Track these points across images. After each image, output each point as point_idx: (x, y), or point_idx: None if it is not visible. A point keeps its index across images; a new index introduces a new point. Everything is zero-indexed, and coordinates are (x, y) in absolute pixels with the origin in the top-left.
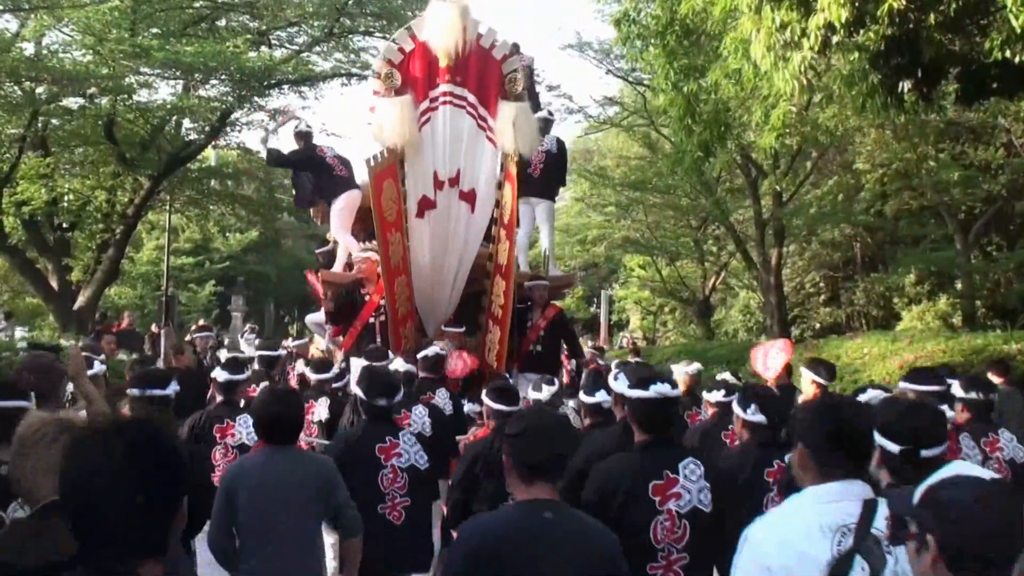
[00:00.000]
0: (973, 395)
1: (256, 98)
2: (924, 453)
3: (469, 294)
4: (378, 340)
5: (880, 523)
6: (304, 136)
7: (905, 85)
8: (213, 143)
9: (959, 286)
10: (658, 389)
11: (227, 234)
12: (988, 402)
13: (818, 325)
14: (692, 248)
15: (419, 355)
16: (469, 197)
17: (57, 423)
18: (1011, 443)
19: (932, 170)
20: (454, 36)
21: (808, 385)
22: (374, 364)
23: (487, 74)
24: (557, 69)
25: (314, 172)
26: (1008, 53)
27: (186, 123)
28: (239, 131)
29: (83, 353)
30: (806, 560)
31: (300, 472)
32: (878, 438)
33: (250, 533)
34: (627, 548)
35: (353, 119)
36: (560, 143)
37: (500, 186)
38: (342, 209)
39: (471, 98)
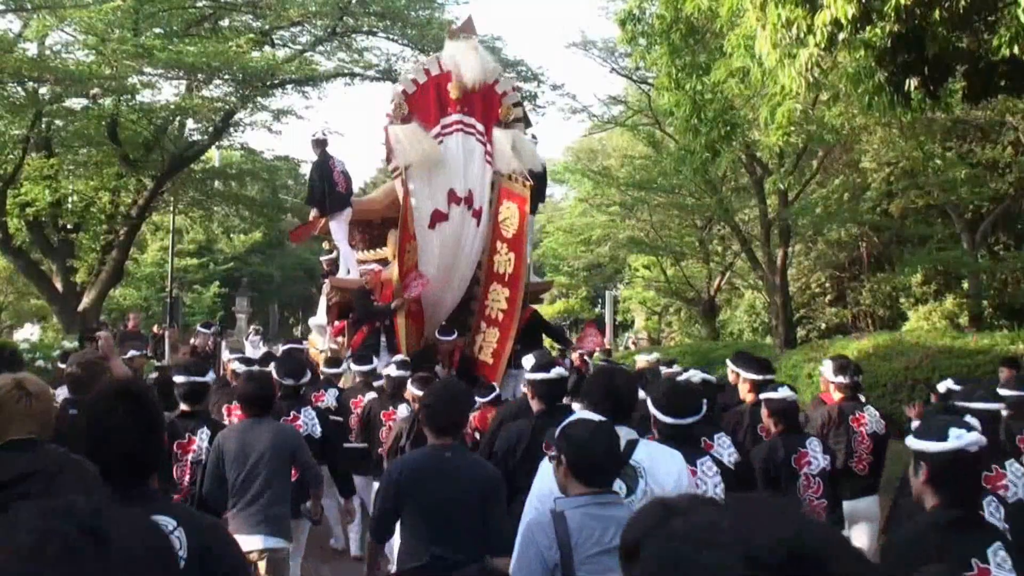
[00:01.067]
0: None
1: (259, 98)
2: (683, 420)
3: (461, 301)
4: (382, 341)
5: (638, 456)
6: (321, 144)
7: (912, 82)
8: (216, 144)
9: (966, 286)
10: (559, 371)
11: (231, 235)
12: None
13: (824, 325)
14: (697, 248)
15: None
16: (478, 214)
17: (15, 382)
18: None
19: (939, 169)
20: (465, 72)
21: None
22: (293, 348)
23: (490, 105)
24: (561, 68)
25: (321, 181)
26: (1016, 50)
27: (189, 124)
28: (242, 131)
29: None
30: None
31: (274, 437)
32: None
33: (236, 482)
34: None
35: (355, 117)
36: (543, 165)
37: (491, 203)
38: (340, 223)
39: (479, 127)
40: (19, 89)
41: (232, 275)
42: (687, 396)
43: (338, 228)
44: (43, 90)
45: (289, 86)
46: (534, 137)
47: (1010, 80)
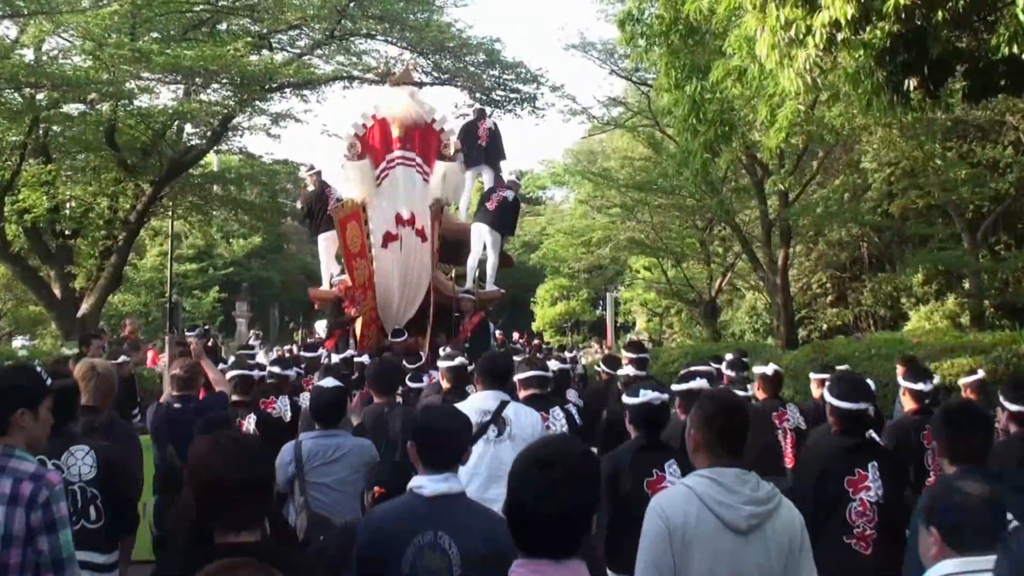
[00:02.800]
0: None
1: (257, 102)
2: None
3: (422, 306)
4: (350, 342)
5: (508, 412)
6: (318, 174)
7: (911, 83)
8: (215, 148)
9: (967, 285)
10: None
11: (230, 240)
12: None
13: (825, 326)
14: (698, 249)
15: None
16: (421, 233)
17: (90, 364)
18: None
19: (939, 168)
20: (403, 114)
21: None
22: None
23: (429, 141)
24: (561, 70)
25: (316, 204)
26: (1016, 49)
27: (187, 128)
28: (241, 135)
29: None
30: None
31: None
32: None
33: None
34: None
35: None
36: (516, 199)
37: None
38: (328, 241)
39: (418, 160)
40: (16, 95)
41: (232, 280)
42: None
43: (325, 245)
44: (40, 96)
45: (287, 90)
46: (519, 177)
47: (1010, 79)
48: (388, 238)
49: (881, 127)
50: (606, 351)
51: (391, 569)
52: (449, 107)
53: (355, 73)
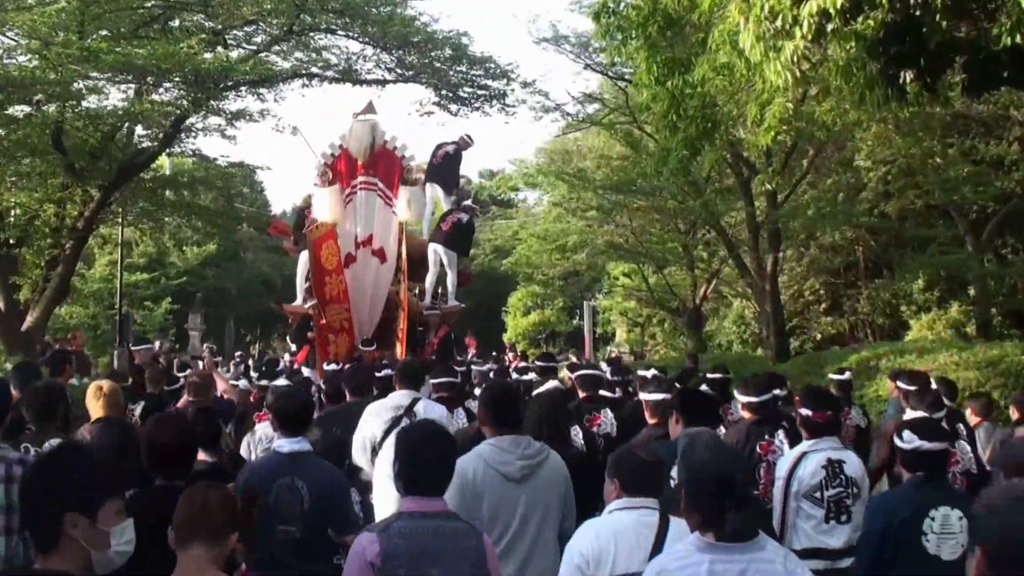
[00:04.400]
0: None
1: (212, 101)
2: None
3: (385, 319)
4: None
5: (419, 408)
6: (306, 199)
7: (907, 75)
8: (167, 151)
9: (972, 292)
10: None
11: (183, 248)
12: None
13: (819, 336)
14: (681, 254)
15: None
16: (379, 254)
17: (97, 385)
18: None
19: (939, 167)
20: (366, 143)
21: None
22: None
23: (391, 167)
24: (532, 65)
25: (297, 223)
26: (1019, 39)
27: (138, 130)
28: (194, 137)
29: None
30: (373, 421)
31: None
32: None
33: None
34: None
35: (314, 120)
36: (470, 221)
37: (400, 244)
38: (304, 259)
39: (380, 184)
40: None
41: (185, 290)
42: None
43: (302, 264)
44: None
45: (244, 88)
46: (475, 202)
47: (1013, 71)
48: (348, 259)
49: (876, 123)
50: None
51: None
52: (412, 105)
53: (314, 70)
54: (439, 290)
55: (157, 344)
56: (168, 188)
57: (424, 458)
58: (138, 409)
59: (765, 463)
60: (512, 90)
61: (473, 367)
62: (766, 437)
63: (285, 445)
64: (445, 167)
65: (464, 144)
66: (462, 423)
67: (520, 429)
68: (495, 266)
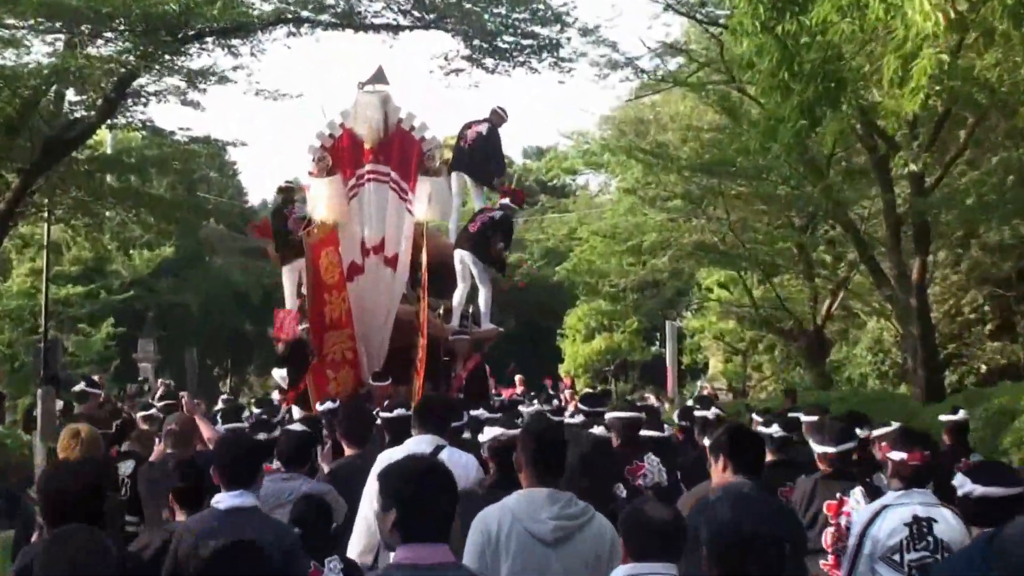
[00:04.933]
0: None
1: (168, 56)
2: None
3: (399, 348)
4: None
5: (443, 457)
6: (285, 191)
7: None
8: (108, 122)
9: None
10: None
11: (130, 251)
12: None
13: (984, 367)
14: (795, 258)
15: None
16: (392, 262)
17: (73, 430)
18: None
19: None
20: (376, 122)
21: None
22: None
23: (407, 153)
24: (595, 5)
25: (276, 226)
26: None
27: (70, 95)
28: (145, 104)
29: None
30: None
31: None
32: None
33: None
34: None
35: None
36: (507, 220)
37: (420, 250)
38: (292, 273)
39: (393, 174)
40: None
41: (132, 308)
42: None
43: (289, 278)
44: None
45: (210, 38)
46: (512, 200)
47: None
48: (353, 270)
49: None
50: (667, 405)
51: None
52: (434, 61)
53: (305, 14)
54: (469, 309)
55: (126, 386)
56: (109, 171)
57: (424, 497)
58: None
59: (835, 526)
60: (568, 39)
61: (521, 408)
62: (837, 495)
63: (224, 500)
64: (478, 151)
65: (498, 120)
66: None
67: (561, 482)
68: (546, 275)
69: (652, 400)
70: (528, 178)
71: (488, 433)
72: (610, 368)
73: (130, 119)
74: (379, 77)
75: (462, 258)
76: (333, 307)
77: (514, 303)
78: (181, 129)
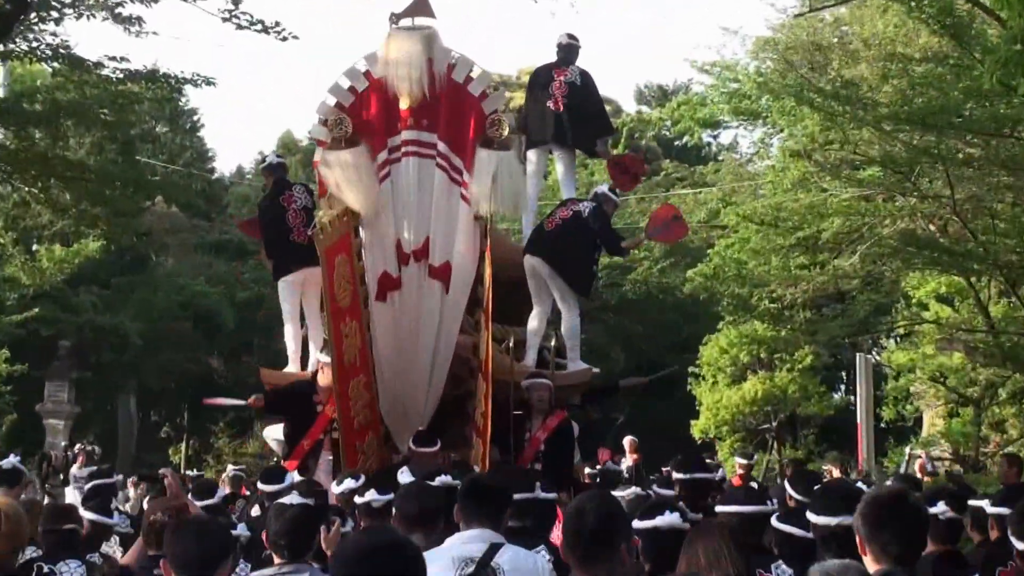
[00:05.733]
0: None
1: None
2: None
3: (451, 398)
4: (329, 459)
5: (502, 560)
6: (273, 170)
7: None
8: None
9: None
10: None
11: (33, 248)
12: None
13: None
14: None
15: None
16: (442, 273)
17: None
18: None
19: None
20: (417, 71)
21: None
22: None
23: (462, 115)
24: None
25: (270, 224)
26: None
27: None
28: (56, 22)
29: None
30: None
31: None
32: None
33: None
34: None
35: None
36: (599, 215)
37: (482, 257)
38: (291, 287)
39: (441, 146)
40: None
41: (36, 335)
42: None
43: (288, 294)
44: None
45: None
46: (610, 193)
47: None
48: (385, 284)
49: None
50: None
51: None
52: None
53: None
54: (551, 343)
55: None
56: (0, 124)
57: None
58: None
59: None
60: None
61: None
62: None
63: None
64: (575, 109)
65: (574, 53)
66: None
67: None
68: (672, 283)
69: (835, 474)
70: (645, 135)
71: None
72: (770, 426)
73: (34, 45)
74: (421, 6)
75: (535, 269)
76: (350, 343)
77: (622, 329)
78: (112, 60)
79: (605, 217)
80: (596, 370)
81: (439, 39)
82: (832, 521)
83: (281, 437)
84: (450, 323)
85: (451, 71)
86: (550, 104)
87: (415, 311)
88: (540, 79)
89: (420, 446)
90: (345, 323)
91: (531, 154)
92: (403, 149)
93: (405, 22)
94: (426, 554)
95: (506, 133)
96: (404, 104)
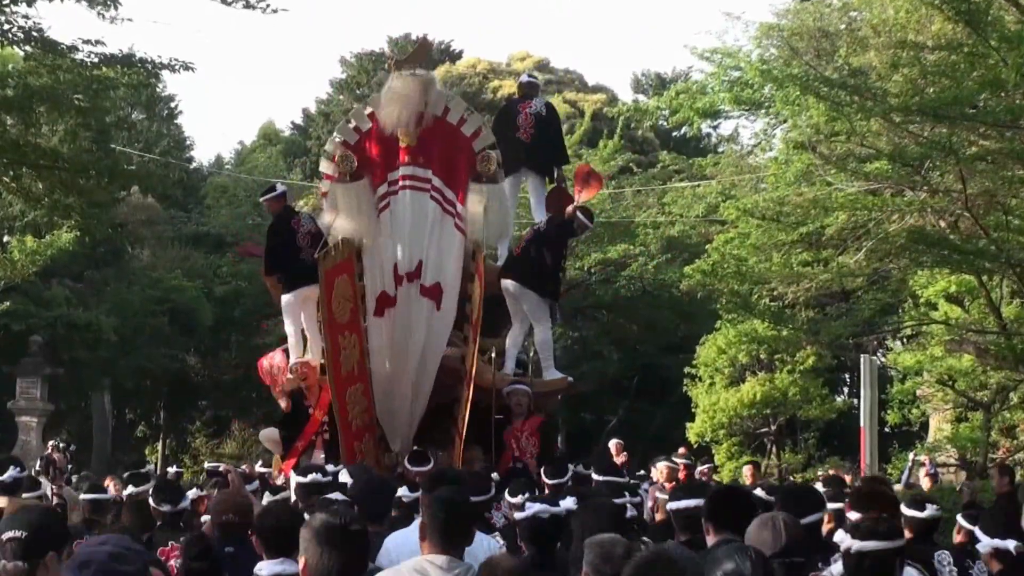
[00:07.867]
0: None
1: None
2: None
3: (441, 405)
4: (322, 458)
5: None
6: (280, 198)
7: None
8: None
9: None
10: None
11: (3, 238)
12: None
13: None
14: None
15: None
16: (433, 293)
17: None
18: None
19: None
20: (413, 112)
21: None
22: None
23: (455, 153)
24: None
25: (279, 247)
26: None
27: None
28: (24, 5)
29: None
30: None
31: None
32: None
33: None
34: None
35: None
36: (562, 228)
37: (471, 279)
38: (294, 301)
39: (435, 181)
40: None
41: (8, 330)
42: None
43: (291, 307)
44: None
45: None
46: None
47: None
48: (383, 302)
49: None
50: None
51: None
52: None
53: None
54: (530, 355)
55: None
56: None
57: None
58: None
59: None
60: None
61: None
62: None
63: (265, 568)
64: (539, 136)
65: (534, 90)
66: None
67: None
68: (668, 280)
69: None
70: (642, 125)
71: (529, 510)
72: (769, 430)
73: (5, 27)
74: (419, 53)
75: (509, 290)
76: (348, 354)
77: (616, 327)
78: (87, 43)
79: (563, 231)
80: (570, 379)
81: (436, 85)
82: None
83: (277, 439)
84: (439, 336)
85: (446, 114)
86: (520, 135)
87: (408, 325)
88: (507, 114)
89: (415, 464)
90: (344, 336)
91: (508, 180)
92: (401, 183)
93: (404, 71)
94: (402, 532)
95: (494, 168)
96: (403, 143)
